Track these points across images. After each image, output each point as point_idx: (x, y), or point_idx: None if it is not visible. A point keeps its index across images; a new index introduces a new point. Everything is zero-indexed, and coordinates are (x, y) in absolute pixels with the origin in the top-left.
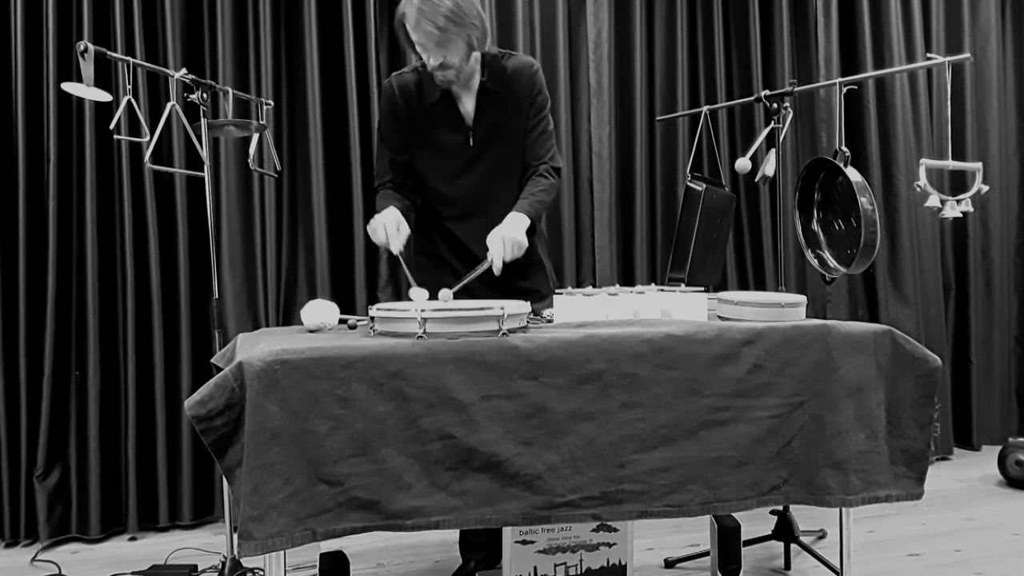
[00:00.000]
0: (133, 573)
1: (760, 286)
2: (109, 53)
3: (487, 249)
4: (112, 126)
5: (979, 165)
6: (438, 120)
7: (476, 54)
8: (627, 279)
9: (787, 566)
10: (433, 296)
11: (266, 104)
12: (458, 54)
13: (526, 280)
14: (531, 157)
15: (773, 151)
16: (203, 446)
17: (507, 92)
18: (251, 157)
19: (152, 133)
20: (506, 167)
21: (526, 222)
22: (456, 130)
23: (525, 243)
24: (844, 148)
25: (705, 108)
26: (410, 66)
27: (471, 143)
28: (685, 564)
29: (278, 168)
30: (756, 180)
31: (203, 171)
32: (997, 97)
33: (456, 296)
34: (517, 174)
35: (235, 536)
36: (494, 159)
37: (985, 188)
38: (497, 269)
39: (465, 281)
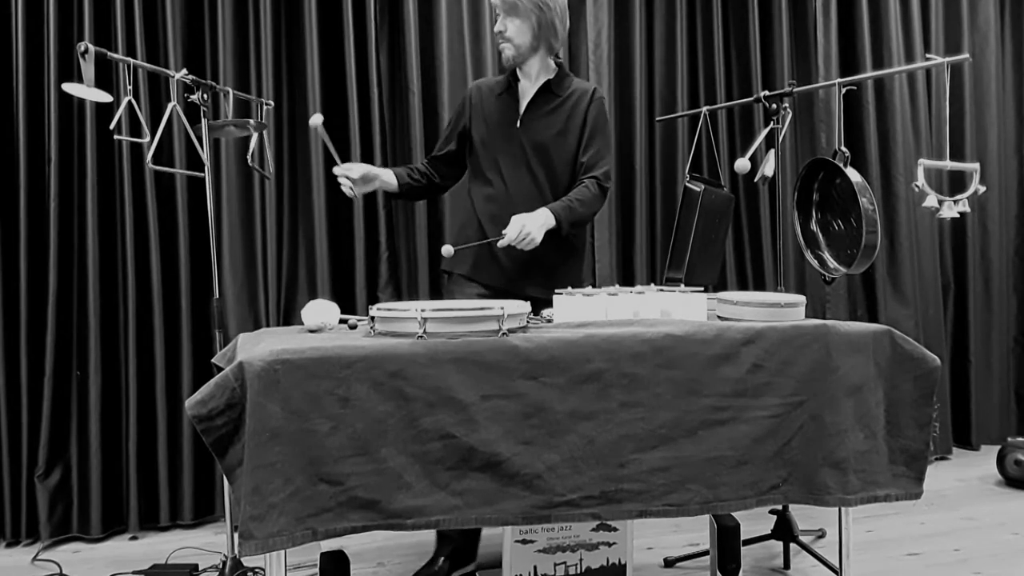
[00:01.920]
0: (134, 572)
1: (759, 286)
2: (110, 54)
3: (498, 227)
4: (112, 126)
5: (976, 166)
6: (500, 103)
7: (550, 60)
8: (627, 279)
9: (786, 565)
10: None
11: (266, 104)
12: (521, 32)
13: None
14: (582, 169)
15: (772, 151)
16: (204, 446)
17: (565, 100)
18: (250, 154)
19: (153, 134)
20: (541, 161)
21: (551, 222)
22: (510, 112)
23: (537, 241)
24: (844, 148)
25: (704, 108)
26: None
27: (519, 125)
28: (685, 563)
29: (270, 171)
30: (755, 180)
31: (203, 172)
32: (996, 97)
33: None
34: (551, 175)
35: (236, 535)
36: (533, 148)
37: (982, 189)
38: (501, 244)
39: (468, 246)
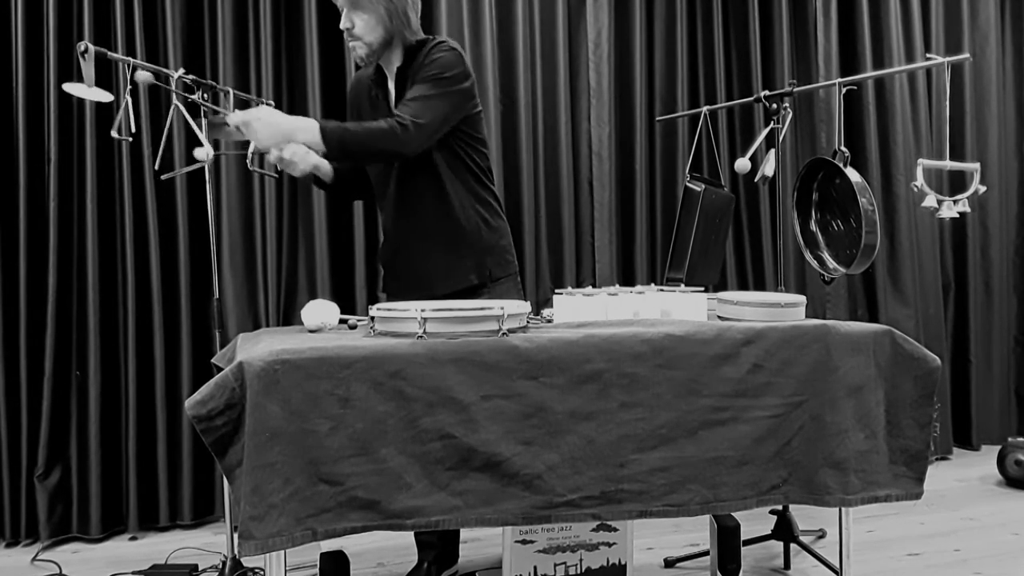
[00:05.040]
0: (134, 573)
1: (760, 286)
2: (110, 54)
3: (405, 237)
4: (114, 131)
5: (977, 166)
6: (376, 108)
7: (399, 48)
8: (627, 279)
9: (787, 566)
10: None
11: (266, 104)
12: (371, 28)
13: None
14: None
15: (772, 151)
16: (203, 446)
17: (412, 74)
18: (249, 158)
19: (158, 139)
20: (422, 153)
21: (306, 131)
22: (382, 115)
23: (262, 144)
24: (843, 148)
25: (705, 108)
26: None
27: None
28: (685, 564)
29: (278, 168)
30: (756, 180)
31: (204, 171)
32: (996, 97)
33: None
34: (435, 160)
35: (235, 536)
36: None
37: (982, 189)
38: (223, 120)
39: (211, 121)
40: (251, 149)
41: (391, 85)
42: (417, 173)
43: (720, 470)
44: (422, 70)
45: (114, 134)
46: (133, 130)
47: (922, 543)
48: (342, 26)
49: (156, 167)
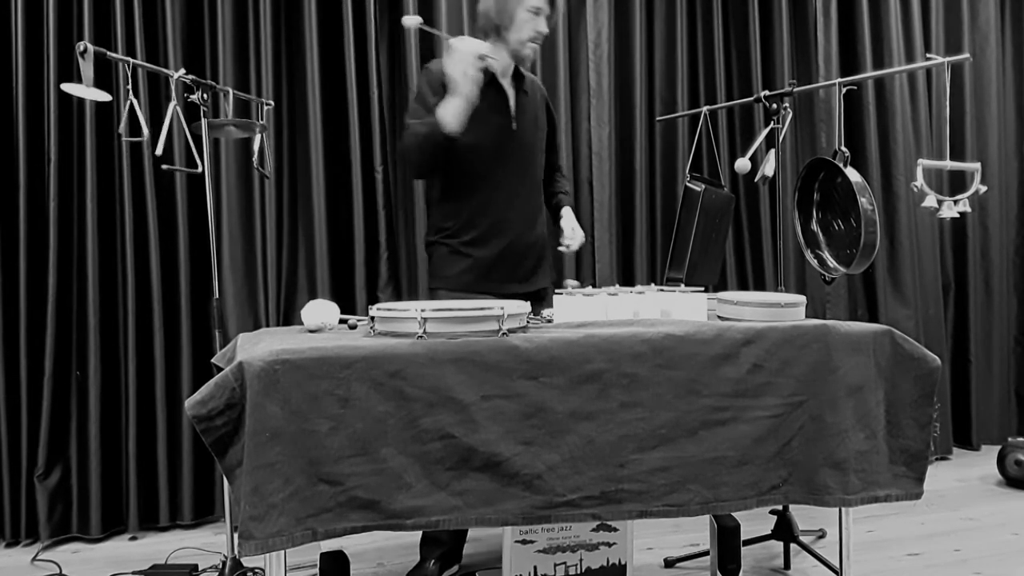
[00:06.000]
0: (134, 573)
1: (760, 286)
2: (109, 53)
3: (517, 227)
4: (121, 129)
5: (977, 165)
6: (485, 101)
7: None
8: (627, 279)
9: (787, 566)
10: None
11: (266, 104)
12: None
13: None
14: (553, 159)
15: (772, 151)
16: (204, 446)
17: (531, 93)
18: (255, 158)
19: (156, 134)
20: (537, 155)
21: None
22: (502, 112)
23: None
24: (844, 148)
25: (705, 108)
26: None
27: (514, 126)
28: (685, 564)
29: (270, 169)
30: (756, 180)
31: (203, 171)
32: (996, 97)
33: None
34: (537, 176)
35: (236, 536)
36: (530, 145)
37: (983, 188)
38: (572, 251)
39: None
40: (256, 149)
41: (508, 87)
42: (535, 184)
43: (720, 470)
44: (552, 114)
45: (122, 135)
46: (146, 136)
47: (922, 543)
48: (543, 29)
49: (159, 152)
